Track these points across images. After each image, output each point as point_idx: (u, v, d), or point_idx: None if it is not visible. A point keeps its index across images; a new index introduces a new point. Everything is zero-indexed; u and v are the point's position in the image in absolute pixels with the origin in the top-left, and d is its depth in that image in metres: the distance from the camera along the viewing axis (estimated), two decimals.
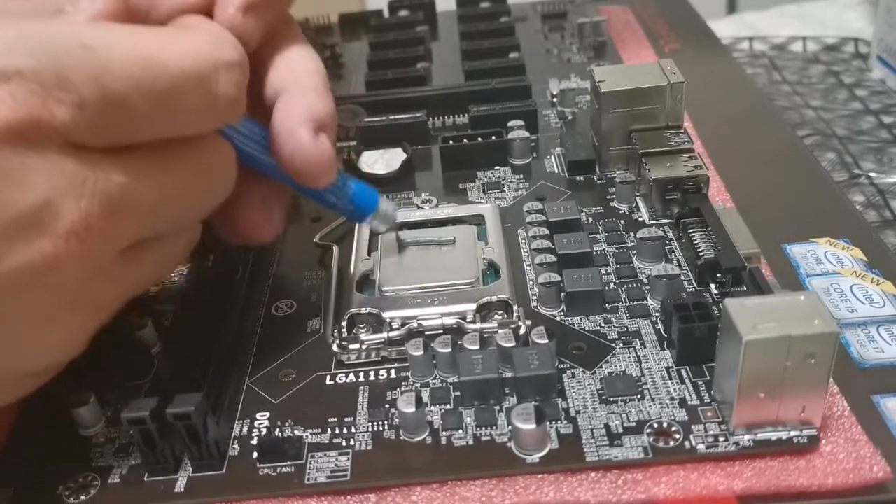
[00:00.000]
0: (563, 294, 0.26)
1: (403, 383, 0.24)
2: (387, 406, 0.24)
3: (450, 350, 0.24)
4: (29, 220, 0.18)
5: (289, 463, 0.22)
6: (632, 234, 0.29)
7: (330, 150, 0.24)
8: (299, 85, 0.24)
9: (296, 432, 0.23)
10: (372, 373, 0.25)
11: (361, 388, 0.24)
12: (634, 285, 0.27)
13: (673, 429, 0.22)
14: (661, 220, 0.30)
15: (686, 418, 0.22)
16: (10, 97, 0.17)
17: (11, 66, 0.17)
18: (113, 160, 0.19)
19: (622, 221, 0.30)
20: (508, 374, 0.23)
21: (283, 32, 0.26)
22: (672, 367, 0.24)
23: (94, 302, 0.21)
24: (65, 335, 0.21)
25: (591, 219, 0.30)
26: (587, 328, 0.25)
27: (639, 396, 0.23)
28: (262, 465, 0.22)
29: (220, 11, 0.24)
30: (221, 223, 0.25)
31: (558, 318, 0.26)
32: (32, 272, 0.18)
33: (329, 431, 0.23)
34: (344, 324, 0.26)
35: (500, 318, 0.26)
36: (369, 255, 0.29)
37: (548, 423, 0.22)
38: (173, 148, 0.21)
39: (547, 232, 0.29)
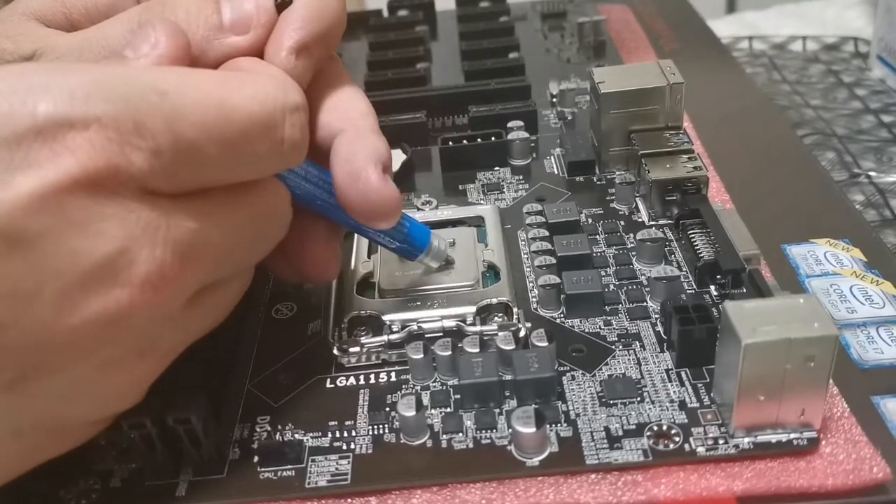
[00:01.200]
0: (562, 296, 0.26)
1: (404, 386, 0.24)
2: (387, 409, 0.24)
3: (450, 353, 0.24)
4: (105, 269, 0.18)
5: (289, 467, 0.22)
6: (631, 235, 0.29)
7: (397, 191, 0.23)
8: (356, 126, 0.24)
9: (296, 436, 0.23)
10: (372, 376, 0.25)
11: (362, 391, 0.24)
12: (634, 287, 0.27)
13: (673, 431, 0.22)
14: (661, 221, 0.30)
15: (686, 421, 0.22)
16: (89, 145, 0.17)
17: (91, 114, 0.17)
18: (182, 206, 0.19)
19: (622, 222, 0.30)
20: (508, 377, 0.23)
21: (330, 70, 0.26)
22: (672, 370, 0.24)
23: (160, 350, 0.21)
24: (129, 384, 0.20)
25: (590, 220, 0.30)
26: (587, 330, 0.25)
27: (638, 399, 0.23)
28: (262, 469, 0.22)
29: (273, 55, 0.23)
30: (282, 265, 0.25)
31: (558, 321, 0.26)
32: (107, 322, 0.18)
33: (329, 435, 0.23)
34: (344, 326, 0.26)
35: (500, 320, 0.26)
36: (369, 257, 0.29)
37: (548, 426, 0.22)
38: (237, 191, 0.21)
39: (546, 233, 0.29)
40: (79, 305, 0.17)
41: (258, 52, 0.24)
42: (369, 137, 0.24)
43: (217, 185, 0.20)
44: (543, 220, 0.29)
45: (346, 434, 0.23)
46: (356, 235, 0.30)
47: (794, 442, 0.21)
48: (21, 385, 0.18)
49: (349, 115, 0.25)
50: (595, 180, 0.33)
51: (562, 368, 0.24)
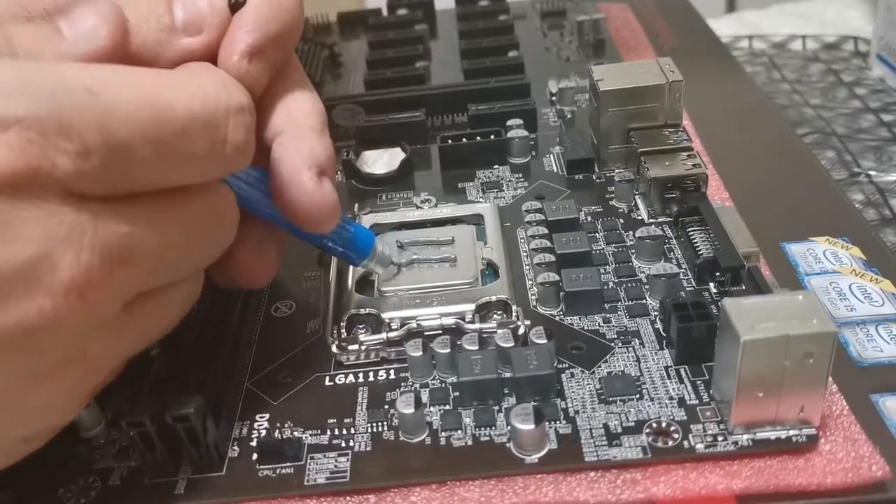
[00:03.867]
0: (561, 294, 0.26)
1: (402, 384, 0.24)
2: (386, 407, 0.24)
3: (449, 350, 0.24)
4: (24, 275, 0.17)
5: (288, 464, 0.22)
6: (631, 233, 0.29)
7: (334, 194, 0.23)
8: (296, 126, 0.23)
9: (295, 433, 0.23)
10: (371, 373, 0.25)
11: (361, 388, 0.24)
12: (633, 284, 0.27)
13: (672, 428, 0.22)
14: (660, 219, 0.30)
15: (685, 418, 0.22)
16: (6, 147, 0.16)
17: (11, 114, 0.16)
18: (114, 209, 0.18)
19: (621, 220, 0.30)
20: (507, 375, 0.23)
21: (285, 70, 0.25)
22: (671, 367, 0.24)
23: (93, 360, 0.20)
24: (61, 397, 0.19)
25: (589, 218, 0.30)
26: (586, 328, 0.25)
27: (638, 396, 0.23)
28: (261, 467, 0.22)
29: (225, 58, 0.23)
30: (212, 268, 0.24)
31: (557, 318, 0.26)
32: (28, 331, 0.17)
33: (328, 432, 0.23)
34: (343, 324, 0.26)
35: (499, 317, 0.26)
36: None
37: (547, 423, 0.22)
38: (176, 195, 0.20)
39: (546, 231, 0.29)
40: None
41: (213, 54, 0.23)
42: (308, 138, 0.23)
43: (154, 188, 0.19)
44: (543, 217, 0.29)
45: (344, 432, 0.23)
46: None
47: (794, 439, 0.21)
48: None
49: (292, 115, 0.24)
50: (594, 178, 0.33)
51: (561, 366, 0.24)
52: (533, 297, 0.27)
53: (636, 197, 0.31)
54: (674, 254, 0.28)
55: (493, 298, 0.26)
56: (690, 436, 0.21)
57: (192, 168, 0.20)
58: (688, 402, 0.22)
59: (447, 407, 0.23)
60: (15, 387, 0.18)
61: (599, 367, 0.24)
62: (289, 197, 0.23)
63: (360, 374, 0.25)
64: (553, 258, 0.27)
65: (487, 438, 0.22)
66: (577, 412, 0.23)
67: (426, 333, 0.25)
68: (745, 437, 0.21)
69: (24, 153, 0.16)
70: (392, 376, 0.25)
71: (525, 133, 0.35)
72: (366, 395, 0.24)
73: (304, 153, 0.23)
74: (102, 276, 0.18)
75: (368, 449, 0.22)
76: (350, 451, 0.22)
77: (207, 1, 0.23)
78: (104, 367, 0.20)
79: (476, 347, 0.24)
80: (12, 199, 0.16)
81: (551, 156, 0.35)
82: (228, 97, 0.20)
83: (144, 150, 0.18)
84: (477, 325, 0.25)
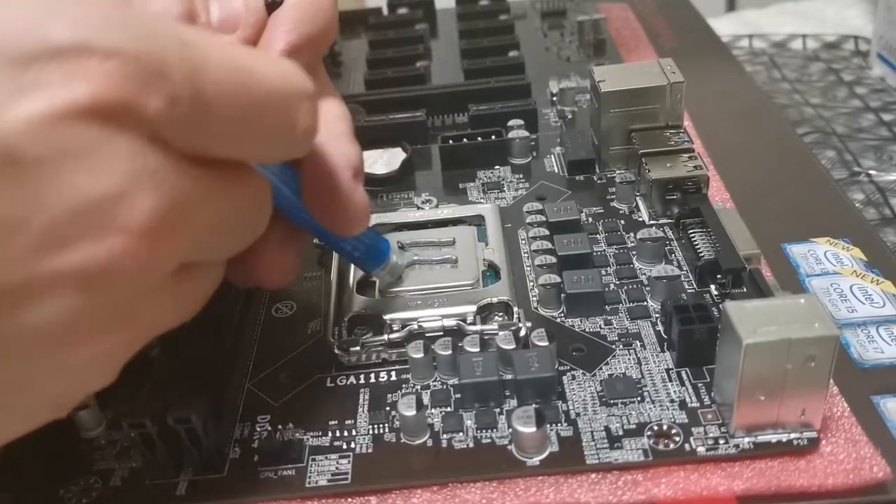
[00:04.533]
0: (563, 295, 0.26)
1: (404, 385, 0.24)
2: (387, 408, 0.24)
3: (450, 352, 0.24)
4: (103, 209, 0.16)
5: (289, 466, 0.22)
6: (632, 234, 0.29)
7: (367, 198, 0.23)
8: (329, 129, 0.23)
9: (296, 435, 0.23)
10: (372, 375, 0.25)
11: (362, 390, 0.24)
12: (634, 286, 0.27)
13: (673, 431, 0.22)
14: (661, 221, 0.30)
15: (686, 420, 0.22)
16: (107, 75, 0.16)
17: (115, 45, 0.16)
18: (186, 167, 0.18)
19: (622, 222, 0.30)
20: (509, 377, 0.23)
21: (314, 75, 0.24)
22: (672, 369, 0.24)
23: (139, 324, 0.19)
24: (105, 358, 0.19)
25: (590, 219, 0.30)
26: (587, 330, 0.25)
27: (639, 398, 0.23)
28: (262, 468, 0.22)
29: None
30: (231, 265, 0.23)
31: (558, 320, 0.26)
32: (94, 272, 0.16)
33: (330, 434, 0.23)
34: (344, 325, 0.26)
35: (501, 319, 0.26)
36: None
37: (548, 425, 0.22)
38: (235, 172, 0.20)
39: (547, 232, 0.29)
40: (67, 245, 0.16)
41: None
42: (341, 142, 0.23)
43: (221, 156, 0.19)
44: (544, 219, 0.29)
45: (346, 433, 0.23)
46: None
47: (795, 442, 0.21)
48: None
49: (324, 119, 0.24)
50: (595, 179, 0.33)
51: (562, 368, 0.24)
52: (534, 299, 0.27)
53: (637, 198, 0.31)
54: (675, 255, 0.28)
55: (495, 300, 0.26)
56: (692, 438, 0.21)
57: (260, 144, 0.20)
58: (689, 405, 0.22)
59: (448, 409, 0.23)
60: (64, 334, 0.17)
61: (600, 369, 0.24)
62: (325, 198, 0.22)
63: (362, 376, 0.25)
64: (554, 260, 0.27)
65: (489, 440, 0.22)
66: (578, 414, 0.23)
67: (427, 335, 0.25)
68: (747, 439, 0.21)
69: (121, 85, 0.16)
70: (393, 378, 0.25)
71: (526, 133, 0.35)
72: (367, 397, 0.24)
73: (341, 155, 0.23)
74: (172, 227, 0.17)
75: (370, 451, 0.22)
76: (351, 453, 0.22)
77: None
78: (142, 337, 0.20)
79: (477, 349, 0.24)
80: (102, 129, 0.16)
81: (552, 156, 0.35)
82: (303, 82, 0.20)
83: (225, 113, 0.18)
84: (478, 327, 0.25)
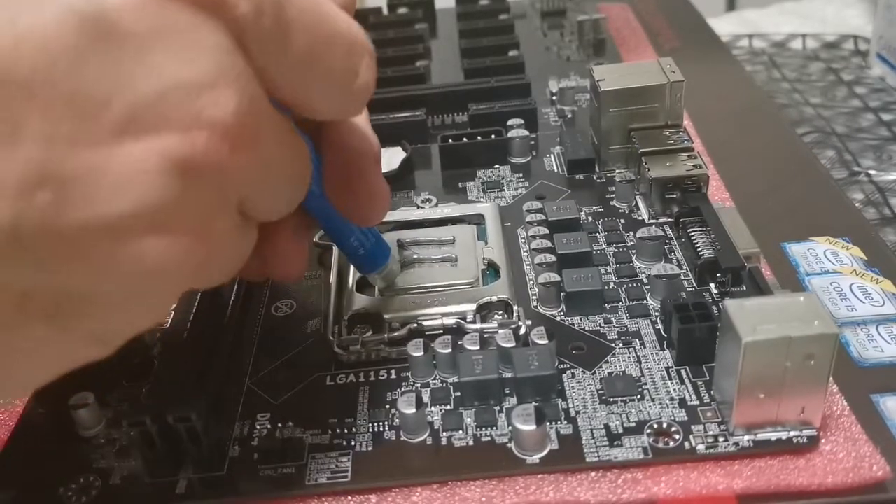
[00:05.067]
0: (562, 294, 0.26)
1: (404, 384, 0.24)
2: (387, 407, 0.24)
3: (450, 350, 0.24)
4: (188, 96, 0.15)
5: (289, 464, 0.22)
6: (631, 233, 0.29)
7: (388, 187, 0.23)
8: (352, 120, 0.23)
9: (296, 433, 0.23)
10: (372, 373, 0.25)
11: (362, 388, 0.24)
12: (634, 285, 0.27)
13: (673, 429, 0.22)
14: (661, 220, 0.30)
15: (686, 418, 0.22)
16: None
17: None
18: (262, 91, 0.17)
19: (622, 220, 0.30)
20: (508, 375, 0.23)
21: None
22: (672, 368, 0.24)
23: (209, 245, 0.17)
24: (167, 276, 0.16)
25: (590, 218, 0.30)
26: (587, 328, 0.25)
27: (639, 397, 0.23)
28: (262, 467, 0.22)
29: None
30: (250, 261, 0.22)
31: (558, 318, 0.26)
32: (176, 162, 0.15)
33: (329, 432, 0.23)
34: (344, 324, 0.26)
35: (500, 318, 0.26)
36: None
37: (548, 423, 0.22)
38: (290, 123, 0.19)
39: (547, 231, 0.29)
40: (150, 131, 0.15)
41: None
42: (363, 130, 0.23)
43: (284, 89, 0.18)
44: (543, 217, 0.29)
45: (346, 431, 0.23)
46: None
47: (794, 440, 0.21)
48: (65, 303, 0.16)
49: None
50: (595, 178, 0.33)
51: (562, 366, 0.24)
52: (534, 298, 0.27)
53: (637, 197, 0.31)
54: (674, 254, 0.28)
55: (494, 298, 0.26)
56: (691, 436, 0.21)
57: (323, 88, 0.19)
58: (689, 403, 0.22)
59: (448, 407, 0.23)
60: (139, 226, 0.15)
61: (600, 367, 0.24)
62: (350, 183, 0.22)
63: (361, 374, 0.25)
64: (554, 258, 0.27)
65: (488, 439, 0.22)
66: (578, 413, 0.23)
67: (427, 333, 0.25)
68: (746, 437, 0.21)
69: None
70: (393, 376, 0.25)
71: (525, 133, 0.35)
72: (367, 395, 0.24)
73: (365, 143, 0.23)
74: (251, 137, 0.17)
75: (370, 449, 0.22)
76: (351, 451, 0.22)
77: None
78: (208, 270, 0.18)
79: (477, 347, 0.24)
80: (196, 15, 0.16)
81: (552, 156, 0.35)
82: (367, 38, 0.20)
83: (299, 39, 0.18)
84: (478, 325, 0.25)
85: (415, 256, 0.28)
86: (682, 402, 0.22)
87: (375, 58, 0.20)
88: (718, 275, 0.26)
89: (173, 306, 0.26)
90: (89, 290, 0.16)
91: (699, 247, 0.27)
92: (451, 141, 0.35)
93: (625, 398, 0.23)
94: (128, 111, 0.15)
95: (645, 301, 0.26)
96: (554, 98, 0.40)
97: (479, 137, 0.35)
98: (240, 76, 0.16)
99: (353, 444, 0.22)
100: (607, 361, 0.24)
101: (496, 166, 0.35)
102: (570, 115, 0.38)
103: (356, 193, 0.23)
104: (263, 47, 0.17)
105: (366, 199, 0.23)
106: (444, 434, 0.22)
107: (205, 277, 0.18)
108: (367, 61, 0.20)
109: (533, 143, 0.36)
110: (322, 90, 0.19)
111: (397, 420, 0.23)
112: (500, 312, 0.26)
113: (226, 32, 0.16)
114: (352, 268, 0.28)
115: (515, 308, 0.26)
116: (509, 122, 0.36)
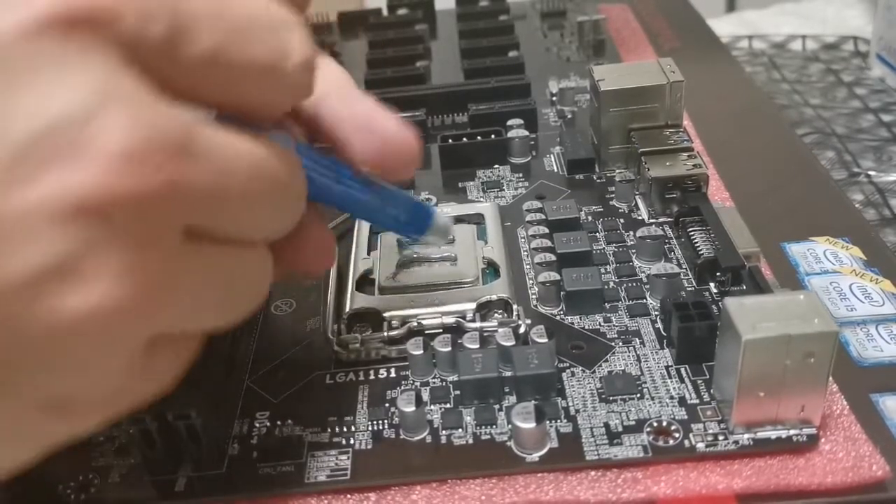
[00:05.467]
0: (562, 293, 0.26)
1: (403, 382, 0.24)
2: (387, 405, 0.24)
3: (449, 349, 0.24)
4: (71, 127, 0.14)
5: (289, 462, 0.22)
6: (631, 232, 0.29)
7: (413, 132, 0.22)
8: (340, 86, 0.22)
9: (296, 431, 0.23)
10: (372, 372, 0.25)
11: (361, 387, 0.24)
12: (634, 284, 0.27)
13: (672, 427, 0.22)
14: (661, 219, 0.30)
15: (686, 417, 0.22)
16: None
17: None
18: (174, 109, 0.16)
19: (622, 220, 0.30)
20: (508, 373, 0.23)
21: None
22: (672, 366, 0.24)
23: (140, 292, 0.15)
24: (106, 338, 0.15)
25: (590, 217, 0.30)
26: (587, 327, 0.25)
27: (638, 395, 0.23)
28: (261, 465, 0.22)
29: None
30: (283, 250, 0.21)
31: (558, 317, 0.26)
32: (77, 197, 0.14)
33: (329, 430, 0.23)
34: (344, 322, 0.26)
35: (500, 316, 0.26)
36: (369, 254, 0.29)
37: (547, 422, 0.22)
38: (238, 136, 0.17)
39: (546, 231, 0.29)
40: (37, 177, 0.14)
41: None
42: (360, 93, 0.22)
43: (207, 93, 0.17)
44: (543, 217, 0.29)
45: (345, 430, 0.23)
46: (356, 232, 0.30)
47: (794, 439, 0.21)
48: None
49: (329, 78, 0.22)
50: (595, 178, 0.33)
51: (561, 365, 0.24)
52: (533, 297, 0.27)
53: (637, 197, 0.31)
54: (674, 254, 0.28)
55: (494, 297, 0.26)
56: (691, 435, 0.21)
57: (252, 80, 0.17)
58: (688, 402, 0.22)
59: (448, 405, 0.23)
60: (54, 284, 0.14)
61: (600, 366, 0.24)
62: (375, 141, 0.21)
63: (361, 373, 0.25)
64: (554, 257, 0.27)
65: (488, 437, 0.22)
66: (577, 411, 0.23)
67: (427, 332, 0.25)
68: (746, 436, 0.21)
69: None
70: (393, 374, 0.25)
71: (525, 133, 0.35)
72: (366, 394, 0.24)
73: (368, 102, 0.22)
74: (171, 153, 0.15)
75: (369, 447, 0.22)
76: (351, 449, 0.22)
77: None
78: (160, 314, 0.16)
79: (477, 346, 0.24)
80: (67, 40, 0.14)
81: (552, 156, 0.35)
82: (288, 12, 0.18)
83: (205, 35, 0.16)
84: (478, 324, 0.25)
85: (415, 255, 0.28)
86: (682, 401, 0.22)
87: (309, 26, 0.19)
88: (718, 274, 0.26)
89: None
90: (11, 356, 0.15)
91: (699, 246, 0.27)
92: (451, 141, 0.35)
93: (624, 397, 0.23)
94: (8, 159, 0.14)
95: (644, 300, 0.26)
96: (554, 98, 0.40)
97: (479, 137, 0.35)
98: (131, 95, 0.15)
99: (352, 442, 0.22)
100: (607, 360, 0.24)
101: (496, 166, 0.35)
102: (569, 116, 0.38)
103: (378, 148, 0.21)
104: (164, 55, 0.16)
105: (394, 147, 0.21)
106: (444, 432, 0.22)
107: (175, 315, 0.17)
108: (298, 35, 0.18)
109: (533, 143, 0.36)
110: (252, 82, 0.18)
111: (397, 418, 0.23)
112: (500, 311, 0.26)
113: (110, 51, 0.15)
114: (351, 267, 0.28)
115: (515, 307, 0.26)
116: (509, 123, 0.36)
